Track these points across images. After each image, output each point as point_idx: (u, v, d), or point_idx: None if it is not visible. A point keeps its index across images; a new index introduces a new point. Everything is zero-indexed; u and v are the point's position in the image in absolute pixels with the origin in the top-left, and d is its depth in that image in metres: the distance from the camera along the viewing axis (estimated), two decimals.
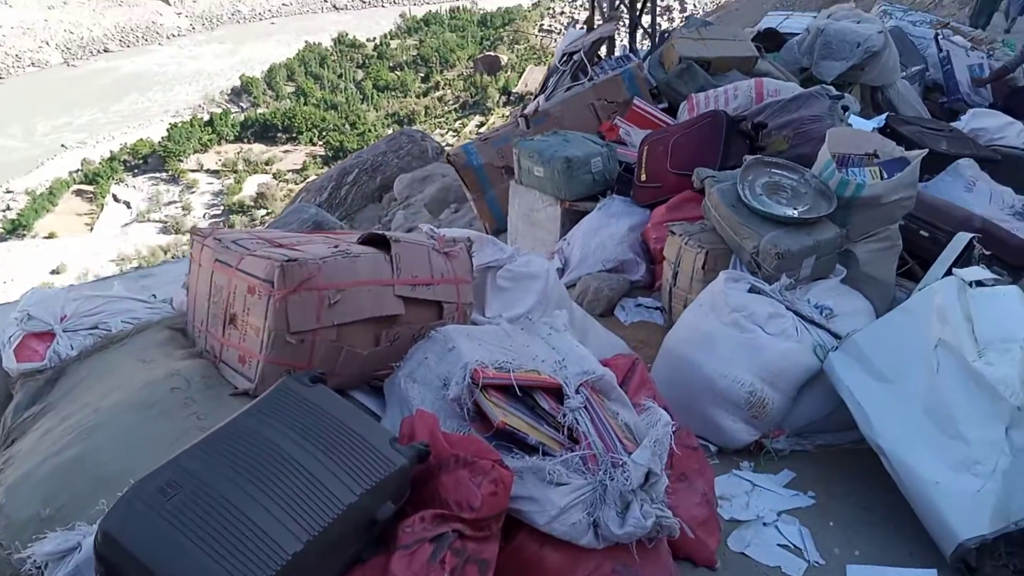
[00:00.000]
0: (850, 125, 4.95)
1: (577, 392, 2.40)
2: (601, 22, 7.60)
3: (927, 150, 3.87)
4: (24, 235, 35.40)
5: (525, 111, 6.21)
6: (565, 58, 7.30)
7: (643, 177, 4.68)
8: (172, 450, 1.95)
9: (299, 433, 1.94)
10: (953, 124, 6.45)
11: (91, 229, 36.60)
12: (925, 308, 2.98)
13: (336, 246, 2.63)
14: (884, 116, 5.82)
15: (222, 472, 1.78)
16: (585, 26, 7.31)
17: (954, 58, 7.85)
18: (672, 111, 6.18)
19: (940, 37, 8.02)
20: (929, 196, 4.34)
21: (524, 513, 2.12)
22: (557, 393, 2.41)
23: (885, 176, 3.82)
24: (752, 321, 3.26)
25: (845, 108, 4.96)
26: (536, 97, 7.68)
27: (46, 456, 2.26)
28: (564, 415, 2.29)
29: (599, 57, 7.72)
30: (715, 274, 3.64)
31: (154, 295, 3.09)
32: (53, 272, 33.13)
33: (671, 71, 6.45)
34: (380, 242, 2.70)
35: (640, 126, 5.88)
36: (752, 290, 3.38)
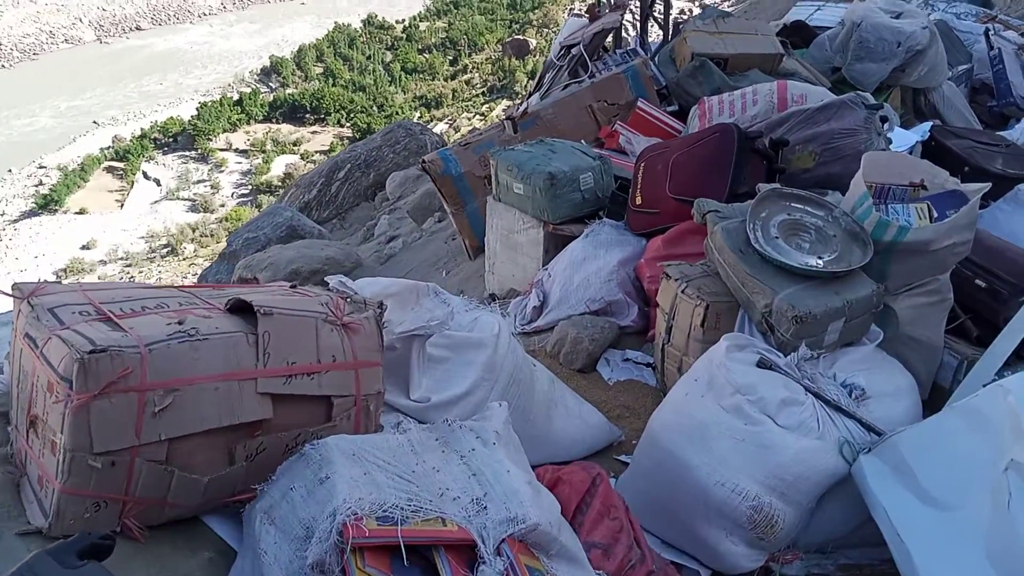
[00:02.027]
0: (890, 141, 4.14)
1: (498, 553, 1.67)
2: (608, 10, 6.79)
3: (989, 184, 3.06)
4: (56, 210, 35.53)
5: (512, 112, 5.45)
6: (563, 52, 6.51)
7: (638, 200, 3.92)
8: None
9: None
10: (1004, 132, 5.62)
11: (121, 206, 36.61)
12: (991, 411, 2.21)
13: (181, 321, 1.90)
14: (927, 126, 5.00)
15: None
16: (587, 15, 6.51)
17: (1006, 56, 6.96)
18: (683, 115, 5.39)
19: (991, 32, 7.12)
20: (985, 234, 3.53)
21: None
22: (469, 552, 1.68)
23: (935, 215, 3.03)
24: (760, 408, 2.50)
25: (884, 120, 4.14)
26: (528, 97, 6.89)
27: None
28: None
29: (605, 50, 6.91)
30: (717, 333, 2.89)
31: None
32: (83, 248, 33.14)
33: (683, 69, 5.66)
34: (251, 312, 1.97)
35: (644, 132, 5.11)
36: (762, 363, 2.62)
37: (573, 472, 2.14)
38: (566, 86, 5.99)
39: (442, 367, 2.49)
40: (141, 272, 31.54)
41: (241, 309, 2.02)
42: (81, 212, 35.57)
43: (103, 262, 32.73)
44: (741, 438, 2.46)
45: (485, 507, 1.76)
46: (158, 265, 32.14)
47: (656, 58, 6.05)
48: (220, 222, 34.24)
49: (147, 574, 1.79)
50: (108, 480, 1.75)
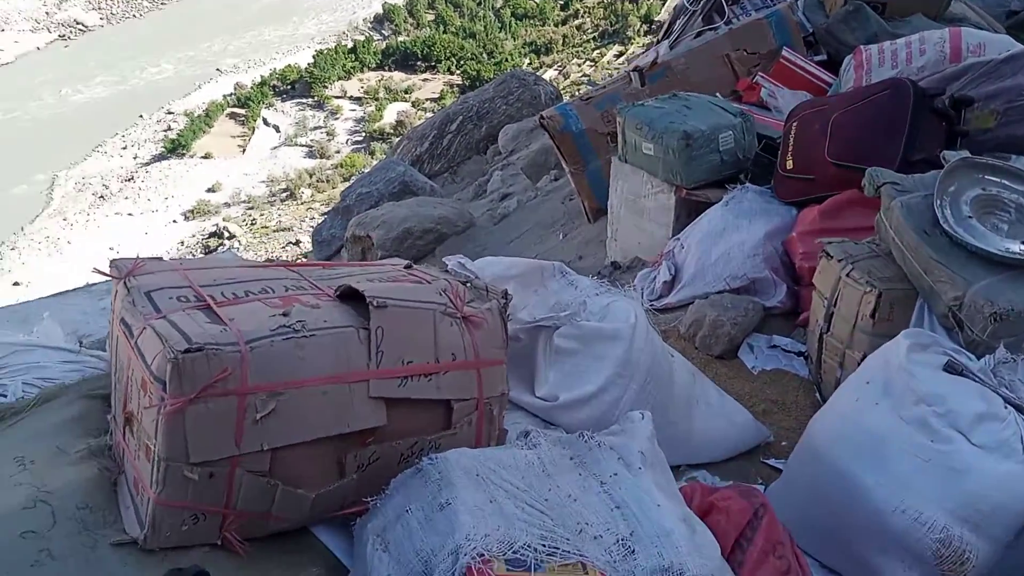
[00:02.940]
0: None
1: None
2: None
3: None
4: (183, 154, 37.29)
5: (639, 63, 5.02)
6: None
7: (789, 164, 3.46)
8: None
9: None
10: None
11: (243, 151, 38.07)
12: None
13: (286, 312, 1.67)
14: None
15: None
16: None
17: None
18: (832, 66, 4.82)
19: None
20: None
21: None
22: None
23: None
24: (950, 423, 2.09)
25: None
26: (656, 44, 6.39)
27: None
28: None
29: None
30: (891, 327, 2.48)
31: (80, 342, 2.26)
32: (209, 190, 34.68)
33: (833, 13, 5.05)
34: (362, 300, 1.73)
35: (789, 85, 4.59)
36: (950, 367, 2.20)
37: (730, 499, 1.81)
38: (699, 33, 5.47)
39: (571, 361, 2.19)
40: (262, 214, 32.60)
41: (353, 297, 1.78)
42: (206, 156, 37.10)
43: (227, 204, 34.08)
44: (927, 458, 2.07)
45: (633, 550, 1.47)
46: (278, 209, 33.18)
47: (801, 1, 5.44)
48: (335, 168, 34.97)
49: None
50: (206, 492, 1.56)
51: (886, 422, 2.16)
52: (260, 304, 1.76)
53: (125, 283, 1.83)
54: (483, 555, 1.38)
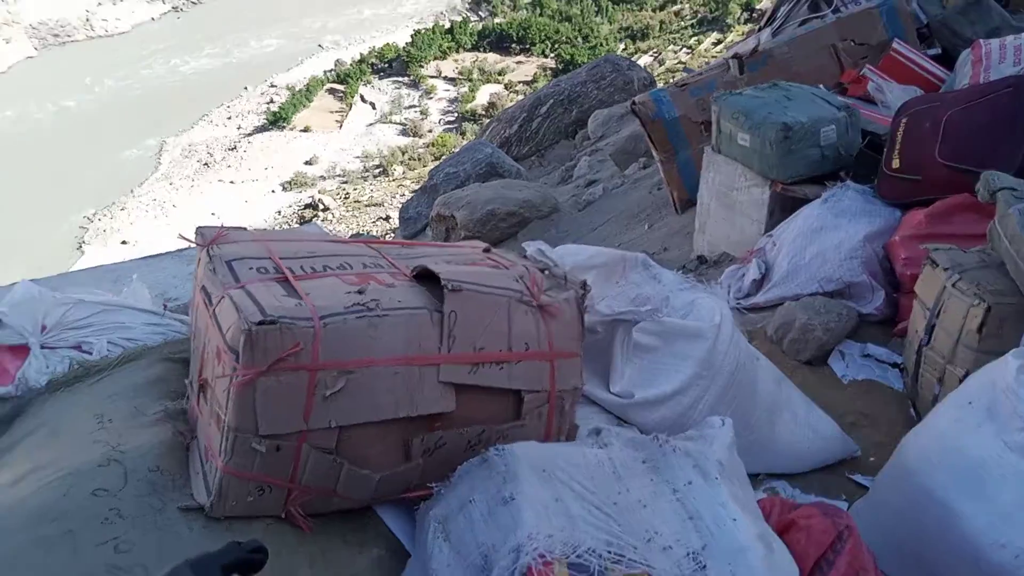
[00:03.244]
0: None
1: None
2: None
3: None
4: (284, 127, 38.46)
5: (739, 50, 4.82)
6: None
7: (895, 163, 3.26)
8: None
9: None
10: None
11: (340, 126, 39.02)
12: None
13: (362, 290, 1.65)
14: None
15: None
16: None
17: None
18: (947, 61, 4.53)
19: None
20: None
21: None
22: None
23: None
24: None
25: None
26: (758, 32, 6.14)
27: None
28: None
29: None
30: (999, 344, 2.30)
31: (165, 305, 2.31)
32: (307, 163, 35.69)
33: (951, 5, 4.74)
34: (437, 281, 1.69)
35: (899, 79, 4.33)
36: None
37: (812, 517, 1.70)
38: (804, 21, 5.23)
39: (649, 357, 2.11)
40: (355, 189, 33.28)
41: (429, 277, 1.75)
42: (305, 130, 38.15)
43: (323, 178, 34.98)
44: None
45: (704, 566, 1.39)
46: (370, 184, 33.86)
47: None
48: (427, 147, 35.40)
49: (308, 568, 1.60)
50: (273, 465, 1.56)
51: (989, 447, 2.00)
52: (337, 280, 1.75)
53: (208, 251, 1.84)
54: (544, 556, 1.33)
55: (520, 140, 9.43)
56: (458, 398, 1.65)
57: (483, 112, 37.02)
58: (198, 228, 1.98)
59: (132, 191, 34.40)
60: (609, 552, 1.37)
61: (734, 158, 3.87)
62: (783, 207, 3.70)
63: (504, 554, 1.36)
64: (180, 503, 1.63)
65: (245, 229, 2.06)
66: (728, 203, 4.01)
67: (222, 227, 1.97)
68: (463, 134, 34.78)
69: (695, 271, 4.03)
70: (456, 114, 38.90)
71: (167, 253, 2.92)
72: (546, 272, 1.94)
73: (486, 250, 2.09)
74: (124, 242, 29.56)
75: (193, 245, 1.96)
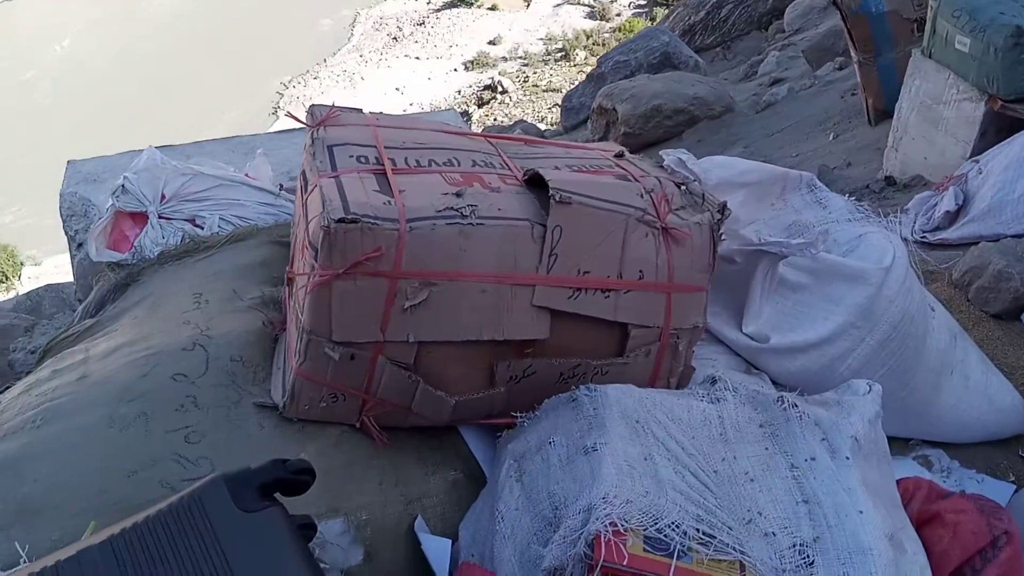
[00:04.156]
0: None
1: None
2: None
3: None
4: (472, 4, 38.27)
5: None
6: None
7: None
8: (118, 490, 1.35)
9: None
10: None
11: (527, 5, 38.38)
12: None
13: (460, 193, 1.46)
14: None
15: None
16: None
17: None
18: None
19: None
20: None
21: None
22: None
23: None
24: None
25: None
26: None
27: (8, 428, 1.57)
28: None
29: None
30: None
31: (282, 185, 2.23)
32: (490, 43, 35.57)
33: None
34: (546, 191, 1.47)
35: None
36: None
37: (962, 512, 1.40)
38: None
39: (795, 297, 1.80)
40: (535, 72, 32.87)
41: (541, 183, 1.53)
42: (492, 8, 37.72)
43: (504, 59, 34.72)
44: None
45: (811, 562, 1.16)
46: (551, 68, 33.27)
47: None
48: (612, 32, 34.08)
49: (377, 483, 1.50)
50: (346, 373, 1.45)
51: None
52: (439, 177, 1.57)
53: (313, 133, 1.71)
54: (616, 525, 1.14)
55: (706, 28, 8.70)
56: (553, 325, 1.45)
57: None
58: (311, 107, 1.85)
59: (325, 60, 35.70)
60: (697, 530, 1.16)
61: (947, 65, 3.28)
62: (998, 128, 3.12)
63: (575, 512, 1.19)
64: (256, 399, 1.57)
65: (360, 111, 1.91)
66: (931, 118, 3.44)
67: (333, 106, 1.83)
68: (652, 19, 33.09)
69: (879, 193, 3.53)
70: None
71: (301, 129, 2.82)
72: (683, 188, 1.66)
73: (618, 155, 1.83)
74: (288, 111, 30.98)
75: (305, 125, 1.84)
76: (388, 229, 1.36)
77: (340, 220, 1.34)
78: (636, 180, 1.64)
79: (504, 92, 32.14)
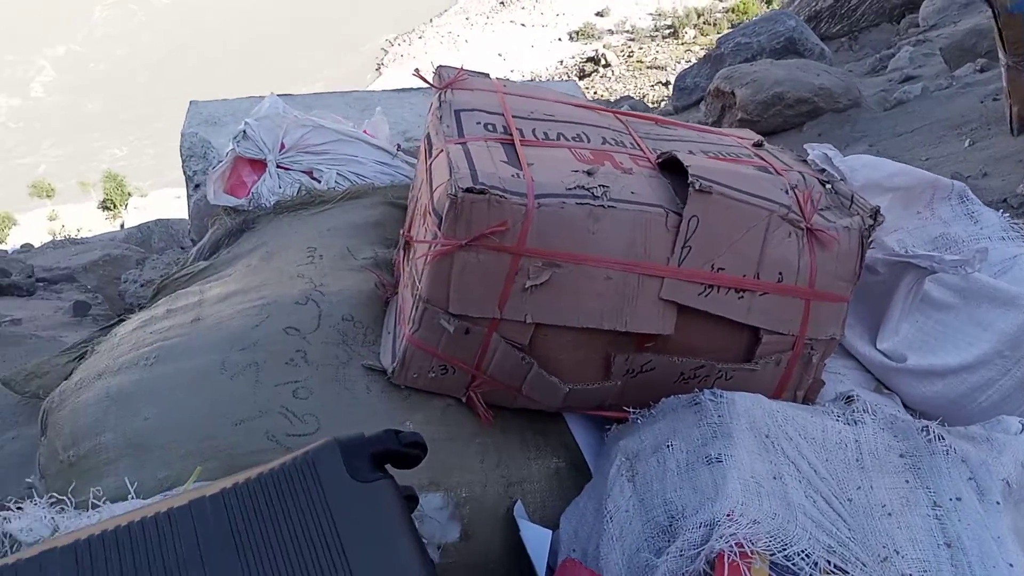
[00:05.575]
0: None
1: None
2: None
3: None
4: None
5: None
6: None
7: None
8: (225, 437, 1.37)
9: None
10: None
11: None
12: None
13: (591, 171, 1.39)
14: None
15: None
16: None
17: None
18: None
19: None
20: None
21: None
22: None
23: None
24: None
25: None
26: None
27: (123, 361, 1.60)
28: None
29: None
30: None
31: (399, 145, 2.19)
32: (597, 14, 35.17)
33: None
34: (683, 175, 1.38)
35: None
36: None
37: None
38: None
39: (939, 317, 1.66)
40: (641, 48, 32.29)
41: (675, 168, 1.44)
42: None
43: (610, 31, 34.22)
44: None
45: None
46: (657, 44, 32.63)
47: None
48: (726, 12, 33.08)
49: (479, 462, 1.46)
50: (459, 347, 1.40)
51: None
52: (568, 153, 1.50)
53: (441, 95, 1.66)
54: (741, 544, 1.06)
55: (832, 16, 8.27)
56: (679, 321, 1.37)
57: None
58: (438, 67, 1.80)
59: (431, 20, 35.88)
60: (828, 562, 1.07)
61: None
62: None
63: (694, 525, 1.11)
64: (365, 361, 1.54)
65: (487, 76, 1.85)
66: None
67: (461, 69, 1.77)
68: (769, 2, 31.94)
69: (1018, 208, 3.28)
70: None
71: (418, 89, 2.81)
72: (828, 187, 1.54)
73: (757, 144, 1.72)
74: (417, 70, 31.20)
75: (430, 86, 1.78)
76: (516, 203, 1.29)
77: (468, 190, 1.28)
78: (779, 174, 1.53)
79: (607, 65, 31.64)
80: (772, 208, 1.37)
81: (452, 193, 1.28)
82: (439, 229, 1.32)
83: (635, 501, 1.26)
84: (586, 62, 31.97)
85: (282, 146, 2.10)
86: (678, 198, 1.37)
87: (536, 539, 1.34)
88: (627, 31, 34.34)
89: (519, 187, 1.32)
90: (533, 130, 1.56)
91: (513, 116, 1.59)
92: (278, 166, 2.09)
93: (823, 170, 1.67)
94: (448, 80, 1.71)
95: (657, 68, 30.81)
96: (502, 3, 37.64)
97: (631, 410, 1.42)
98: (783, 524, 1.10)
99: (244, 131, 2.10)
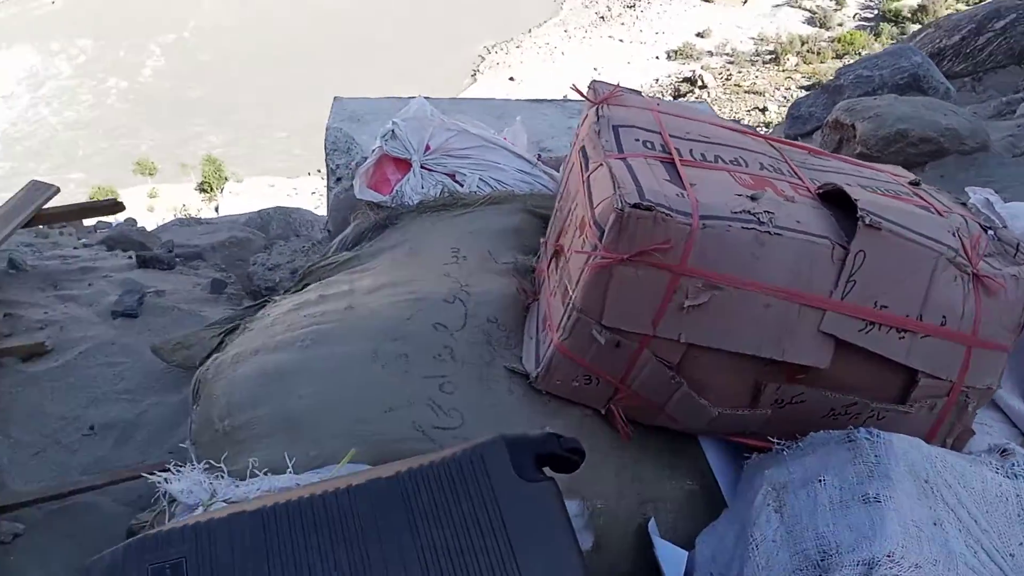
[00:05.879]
0: None
1: None
2: None
3: None
4: None
5: None
6: None
7: None
8: (375, 423, 1.41)
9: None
10: None
11: (744, 2, 37.16)
12: None
13: (755, 196, 1.39)
14: None
15: None
16: None
17: None
18: None
19: None
20: None
21: None
22: None
23: None
24: None
25: None
26: None
27: (279, 341, 1.67)
28: None
29: None
30: None
31: (539, 155, 2.23)
32: (698, 35, 34.84)
33: None
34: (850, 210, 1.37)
35: None
36: None
37: None
38: None
39: None
40: (740, 71, 31.83)
41: (836, 201, 1.43)
42: (707, 0, 36.74)
43: (710, 53, 33.80)
44: None
45: None
46: (757, 69, 32.07)
47: None
48: (831, 42, 32.27)
49: (615, 474, 1.48)
50: (607, 359, 1.42)
51: None
52: (728, 176, 1.50)
53: (598, 110, 1.69)
54: None
55: (957, 55, 7.98)
56: (835, 355, 1.35)
57: (909, 15, 32.53)
58: (592, 82, 1.82)
59: (529, 31, 36.13)
60: None
61: None
62: None
63: (850, 563, 1.11)
64: (507, 363, 1.58)
65: (639, 93, 1.87)
66: None
67: (617, 86, 1.79)
68: (877, 35, 31.02)
69: None
70: (876, 11, 34.64)
71: (551, 100, 2.86)
72: (990, 232, 1.51)
73: (914, 183, 1.69)
74: (511, 79, 31.46)
75: (579, 98, 1.82)
76: (681, 222, 1.31)
77: (635, 206, 1.30)
78: (940, 215, 1.50)
79: (704, 87, 31.25)
80: (940, 250, 1.34)
81: (619, 208, 1.30)
82: (599, 241, 1.35)
83: (783, 532, 1.25)
84: (682, 82, 31.64)
85: (427, 148, 2.17)
86: (842, 231, 1.36)
87: (672, 558, 1.35)
88: (727, 54, 33.86)
89: (684, 206, 1.33)
90: (691, 151, 1.57)
91: (670, 135, 1.60)
92: (422, 167, 2.15)
93: (982, 214, 1.63)
94: (604, 95, 1.74)
95: (755, 93, 30.28)
96: (602, 18, 37.66)
97: (776, 440, 1.41)
98: (944, 572, 1.08)
99: (392, 130, 2.17)
